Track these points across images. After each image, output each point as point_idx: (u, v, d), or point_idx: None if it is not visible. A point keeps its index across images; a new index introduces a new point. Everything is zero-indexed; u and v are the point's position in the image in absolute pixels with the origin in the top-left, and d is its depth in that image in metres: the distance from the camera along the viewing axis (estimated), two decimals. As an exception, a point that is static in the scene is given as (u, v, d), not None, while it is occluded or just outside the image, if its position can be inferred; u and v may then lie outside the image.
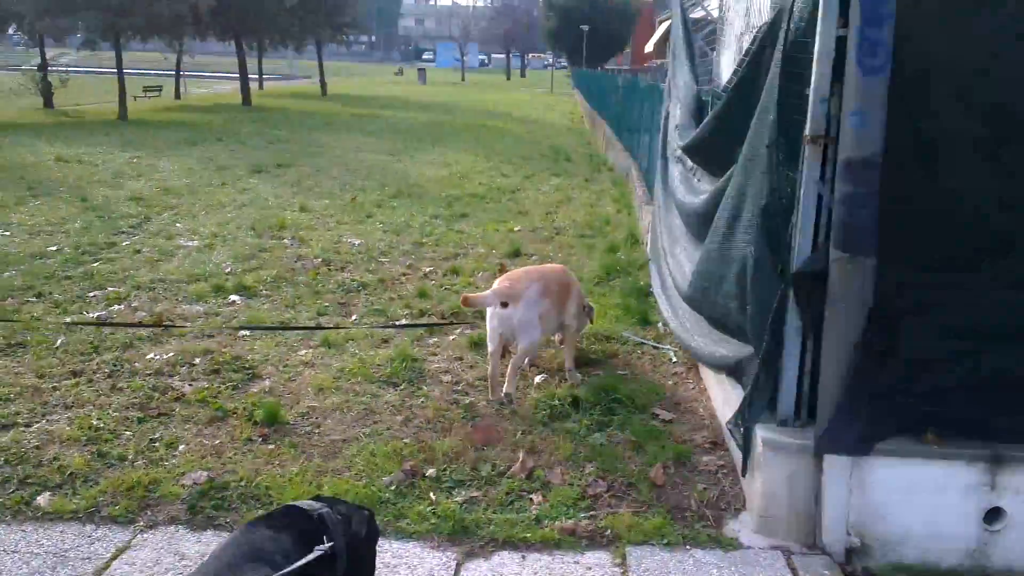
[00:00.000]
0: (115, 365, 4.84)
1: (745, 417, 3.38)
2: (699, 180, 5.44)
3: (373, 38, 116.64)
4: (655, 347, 5.35)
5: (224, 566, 2.05)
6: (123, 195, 10.31)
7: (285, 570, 1.97)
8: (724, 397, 4.14)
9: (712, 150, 4.70)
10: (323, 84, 39.56)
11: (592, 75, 34.49)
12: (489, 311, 4.54)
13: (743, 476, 3.48)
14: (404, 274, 7.09)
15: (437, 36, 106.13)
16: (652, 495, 3.51)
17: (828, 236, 3.16)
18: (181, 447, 3.94)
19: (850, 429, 3.08)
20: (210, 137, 18.01)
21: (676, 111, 6.05)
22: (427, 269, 7.24)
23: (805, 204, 3.18)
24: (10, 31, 26.86)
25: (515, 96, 44.11)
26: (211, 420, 4.21)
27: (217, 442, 3.99)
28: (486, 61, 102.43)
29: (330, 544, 2.15)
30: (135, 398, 4.44)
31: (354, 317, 5.89)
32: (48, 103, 25.73)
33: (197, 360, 4.97)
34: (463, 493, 3.53)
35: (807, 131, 3.14)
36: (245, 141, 17.44)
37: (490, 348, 4.55)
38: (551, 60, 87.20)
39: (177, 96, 33.23)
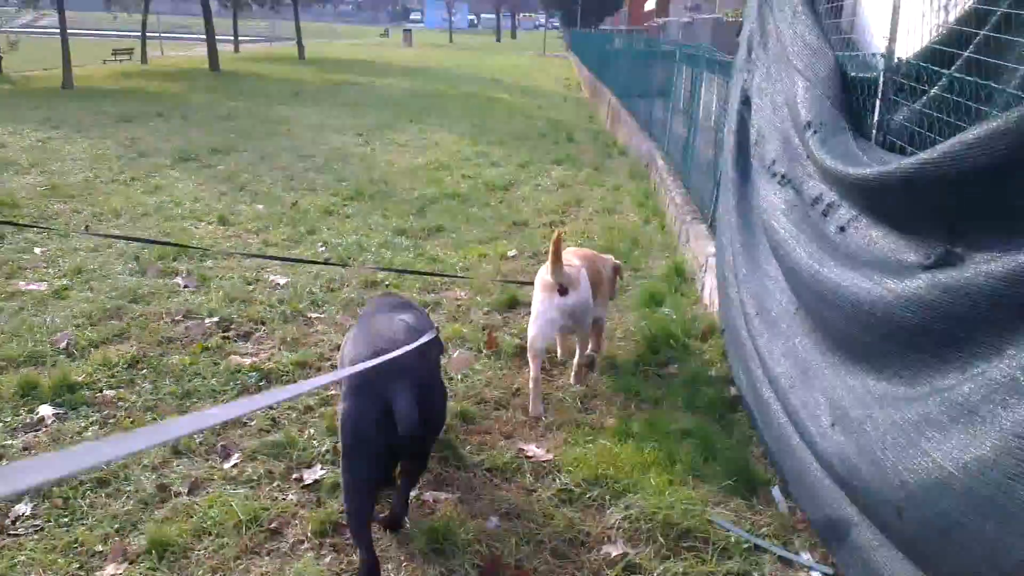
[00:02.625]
0: None
1: None
2: (846, 231, 2.98)
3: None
4: (784, 558, 2.88)
5: (391, 306, 3.10)
6: (-8, 197, 7.72)
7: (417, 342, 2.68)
8: None
9: (952, 193, 2.21)
10: (300, 47, 36.62)
11: (592, 37, 31.69)
12: (544, 302, 3.88)
13: None
14: (339, 350, 4.61)
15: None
16: None
17: None
18: None
19: None
20: (152, 111, 15.28)
21: (797, 93, 3.54)
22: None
23: None
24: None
25: (506, 59, 41.13)
26: None
27: None
28: (475, 22, 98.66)
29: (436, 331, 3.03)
30: None
31: (234, 459, 3.43)
32: (-5, 68, 22.97)
33: None
34: None
35: None
36: (190, 116, 14.74)
37: (538, 346, 3.89)
38: (543, 21, 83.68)
39: (143, 60, 30.39)
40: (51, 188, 8.23)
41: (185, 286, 5.49)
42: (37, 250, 6.15)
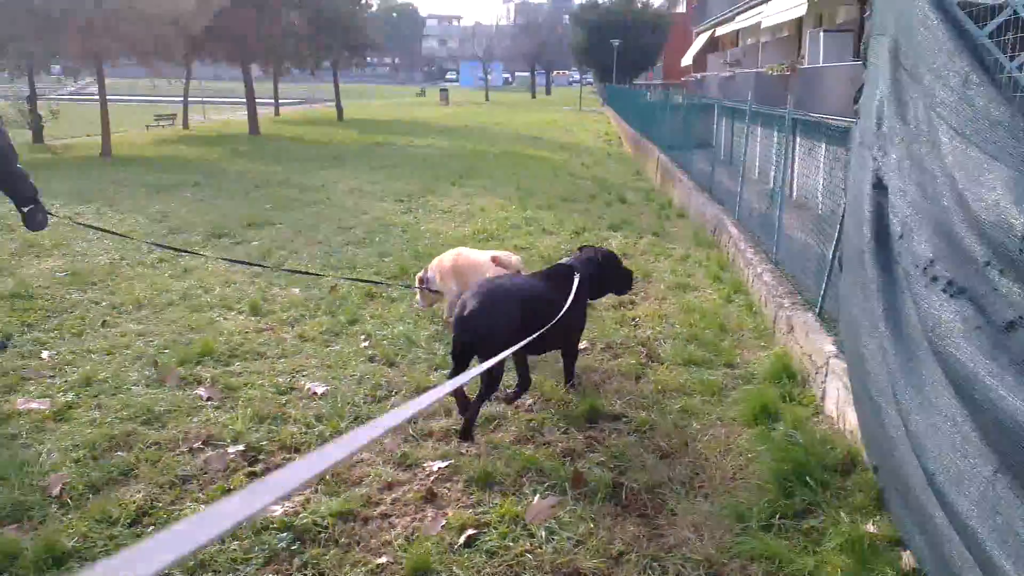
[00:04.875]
0: None
1: None
2: None
3: (396, 60, 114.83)
4: None
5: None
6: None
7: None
8: None
9: None
10: (339, 109, 36.94)
11: (633, 92, 31.24)
12: None
13: None
14: (394, 487, 3.72)
15: (460, 56, 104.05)
16: None
17: None
18: None
19: None
20: (188, 180, 14.90)
21: (995, 183, 2.64)
22: (436, 474, 3.86)
23: None
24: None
25: (543, 115, 40.93)
26: None
27: None
28: (510, 79, 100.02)
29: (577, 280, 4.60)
30: None
31: None
32: (37, 137, 23.06)
33: None
34: None
35: None
36: (226, 185, 14.28)
37: None
38: (578, 77, 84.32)
39: (185, 125, 30.79)
40: (72, 275, 7.58)
41: (208, 399, 4.69)
42: (45, 354, 5.42)
